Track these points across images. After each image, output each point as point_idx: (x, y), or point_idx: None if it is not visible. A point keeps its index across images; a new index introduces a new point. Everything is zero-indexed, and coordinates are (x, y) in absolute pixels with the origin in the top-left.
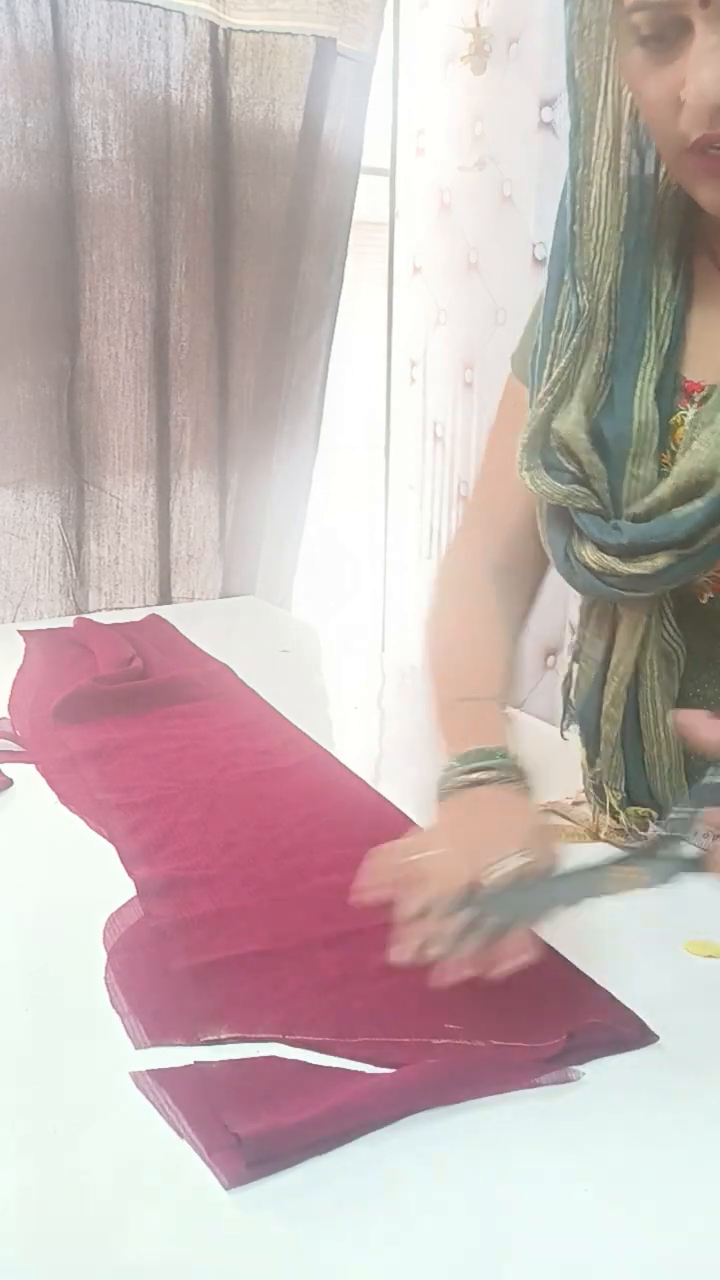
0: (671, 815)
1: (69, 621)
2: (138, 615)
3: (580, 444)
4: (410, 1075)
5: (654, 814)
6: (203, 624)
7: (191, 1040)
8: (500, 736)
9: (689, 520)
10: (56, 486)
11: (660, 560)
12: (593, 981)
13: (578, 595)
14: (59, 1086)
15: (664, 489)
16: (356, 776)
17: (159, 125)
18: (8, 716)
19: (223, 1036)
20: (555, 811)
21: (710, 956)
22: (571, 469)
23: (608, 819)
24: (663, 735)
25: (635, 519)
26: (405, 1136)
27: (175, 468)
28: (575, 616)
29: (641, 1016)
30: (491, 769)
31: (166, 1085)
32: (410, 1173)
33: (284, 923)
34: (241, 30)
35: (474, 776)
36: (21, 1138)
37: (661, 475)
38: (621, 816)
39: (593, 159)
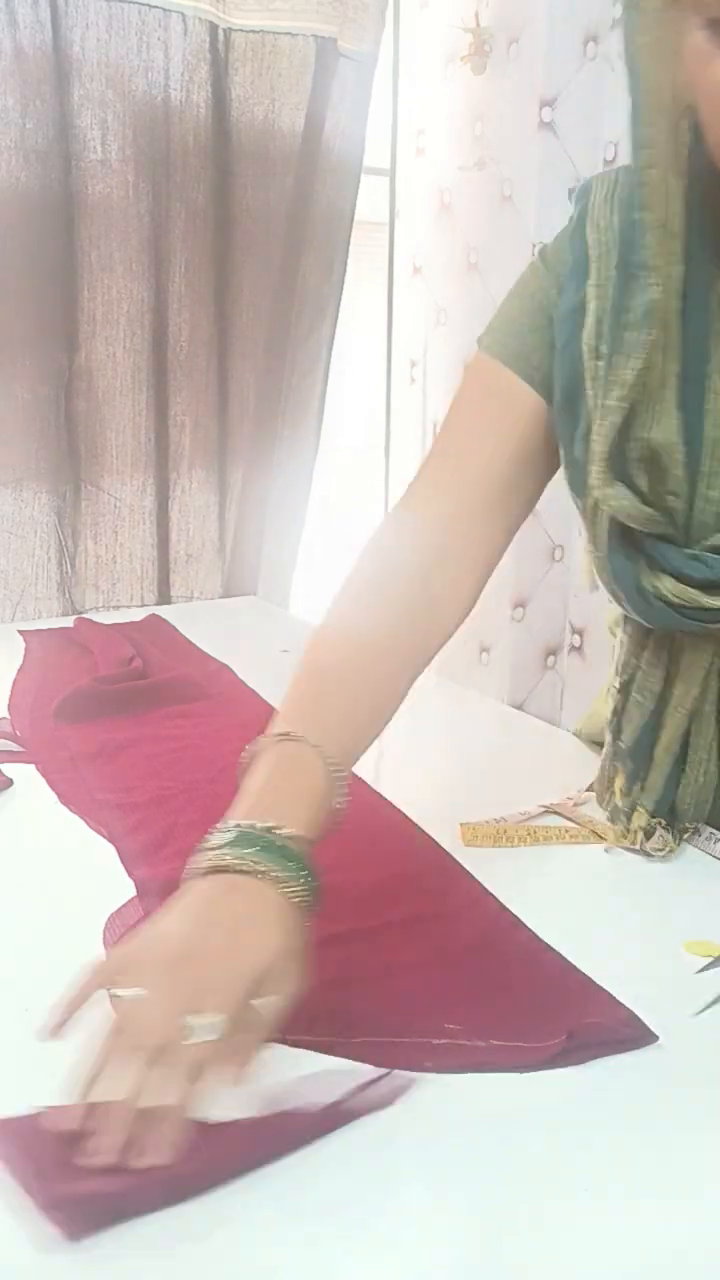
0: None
1: (67, 620)
2: (136, 614)
3: (677, 457)
4: (249, 1136)
5: (662, 822)
6: (203, 624)
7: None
8: (294, 807)
9: None
10: (54, 485)
11: None
12: (593, 981)
13: (579, 596)
14: (59, 1086)
15: None
16: (356, 776)
17: (158, 125)
18: (8, 716)
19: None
20: (558, 813)
21: (710, 956)
22: (644, 488)
23: (624, 830)
24: (706, 758)
25: (717, 549)
26: (406, 1136)
27: (174, 467)
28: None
29: (641, 1016)
30: (243, 854)
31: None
32: (409, 1173)
33: None
34: (242, 30)
35: (224, 859)
36: None
37: None
38: (641, 835)
39: (654, 143)
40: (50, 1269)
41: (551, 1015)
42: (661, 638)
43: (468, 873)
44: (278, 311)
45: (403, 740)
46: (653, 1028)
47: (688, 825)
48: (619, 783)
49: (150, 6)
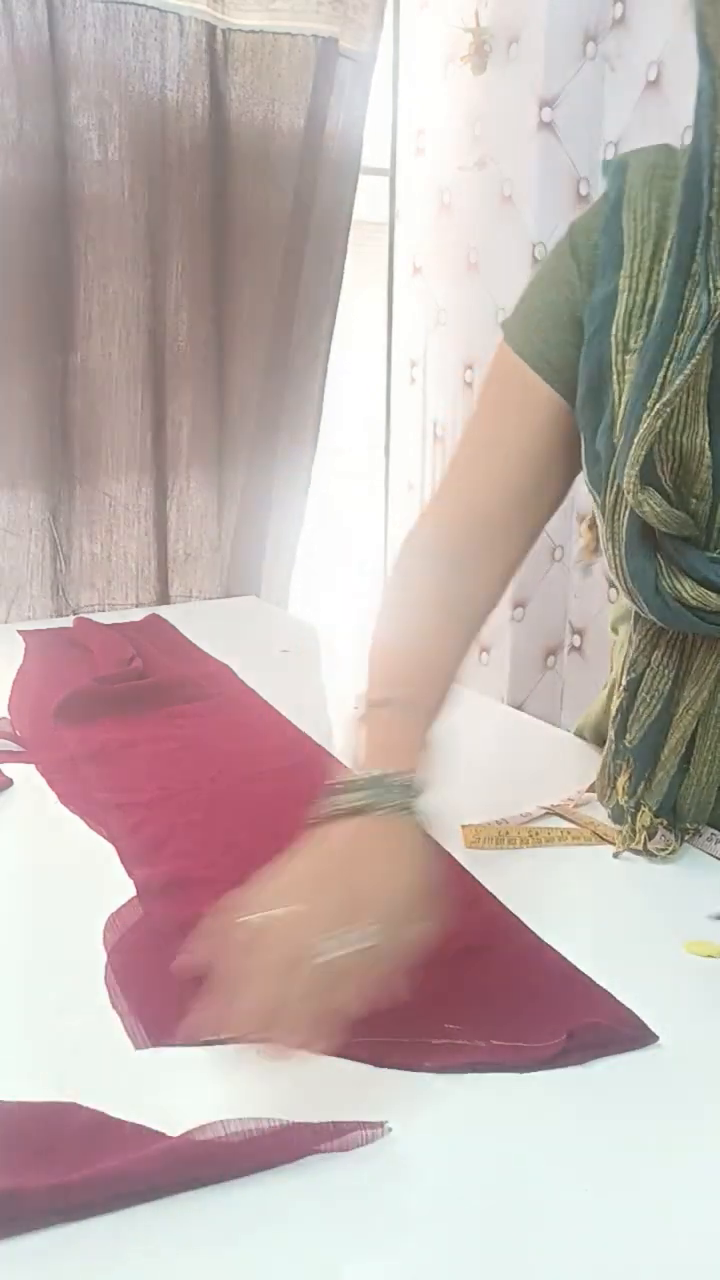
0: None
1: (64, 620)
2: (133, 614)
3: (705, 461)
4: (191, 1146)
5: (664, 822)
6: (203, 624)
7: (190, 1041)
8: (410, 757)
9: None
10: (51, 484)
11: None
12: (593, 981)
13: (579, 596)
14: (59, 1087)
15: None
16: None
17: (155, 126)
18: (8, 716)
19: (222, 1037)
20: (559, 814)
21: (710, 956)
22: (668, 490)
23: (630, 831)
24: (711, 759)
25: None
26: (405, 1136)
27: (172, 467)
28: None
29: (641, 1016)
30: (382, 796)
31: None
32: (408, 1173)
33: None
34: (241, 30)
35: (358, 802)
36: None
37: None
38: (644, 836)
39: None
40: (51, 1272)
41: (552, 1015)
42: (673, 638)
43: (468, 873)
44: (276, 312)
45: None
46: (653, 1028)
47: (689, 826)
48: (622, 782)
49: (147, 8)
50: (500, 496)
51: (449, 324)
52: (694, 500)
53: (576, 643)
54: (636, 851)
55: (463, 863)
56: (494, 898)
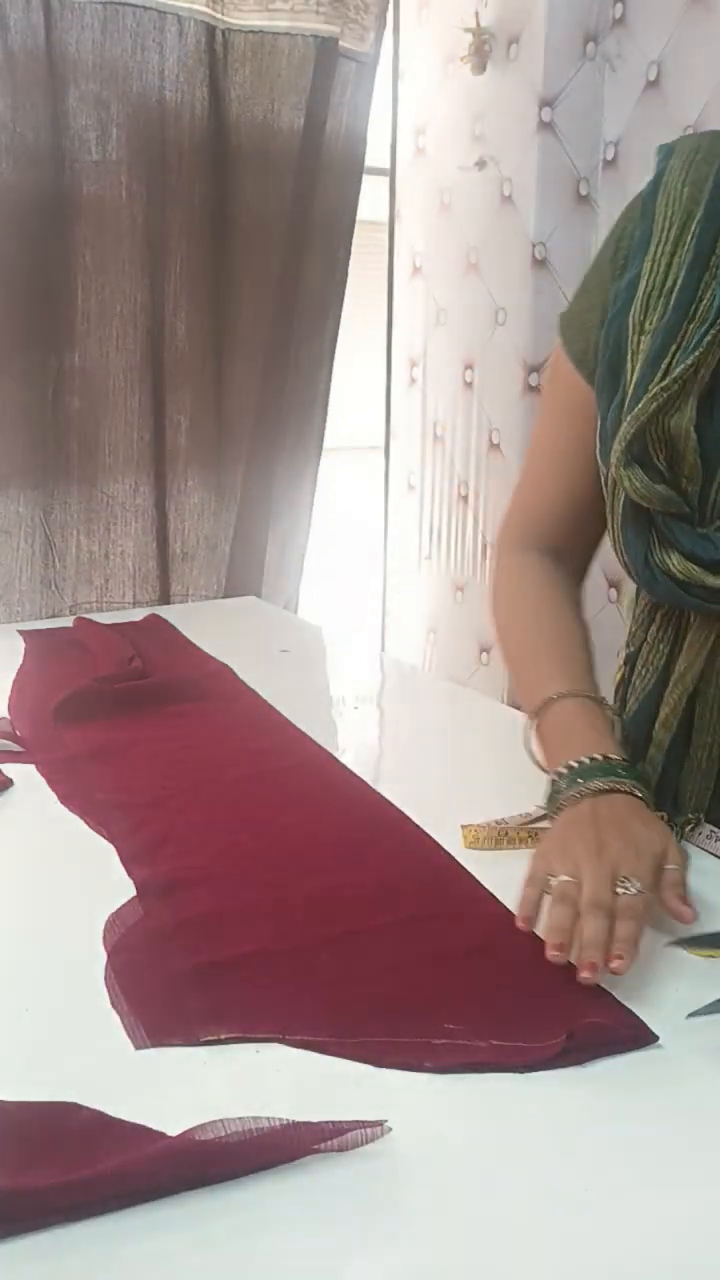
0: None
1: (60, 620)
2: (132, 613)
3: (690, 443)
4: (191, 1146)
5: (664, 816)
6: (203, 624)
7: (191, 1040)
8: (613, 742)
9: None
10: (46, 482)
11: None
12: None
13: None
14: (59, 1087)
15: None
16: (356, 777)
17: (154, 127)
18: (8, 716)
19: (222, 1037)
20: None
21: (710, 956)
22: (662, 469)
23: None
24: (710, 741)
25: None
26: (405, 1134)
27: (169, 466)
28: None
29: (641, 1016)
30: (618, 779)
31: None
32: (409, 1172)
33: (284, 923)
34: (240, 31)
35: (601, 786)
36: None
37: None
38: None
39: None
40: (50, 1272)
41: (552, 1015)
42: (668, 613)
43: (468, 873)
44: (277, 312)
45: (403, 740)
46: (653, 1028)
47: (690, 816)
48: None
49: (146, 8)
50: (571, 491)
51: (449, 324)
52: (684, 480)
53: None
54: None
55: (463, 863)
56: (493, 897)
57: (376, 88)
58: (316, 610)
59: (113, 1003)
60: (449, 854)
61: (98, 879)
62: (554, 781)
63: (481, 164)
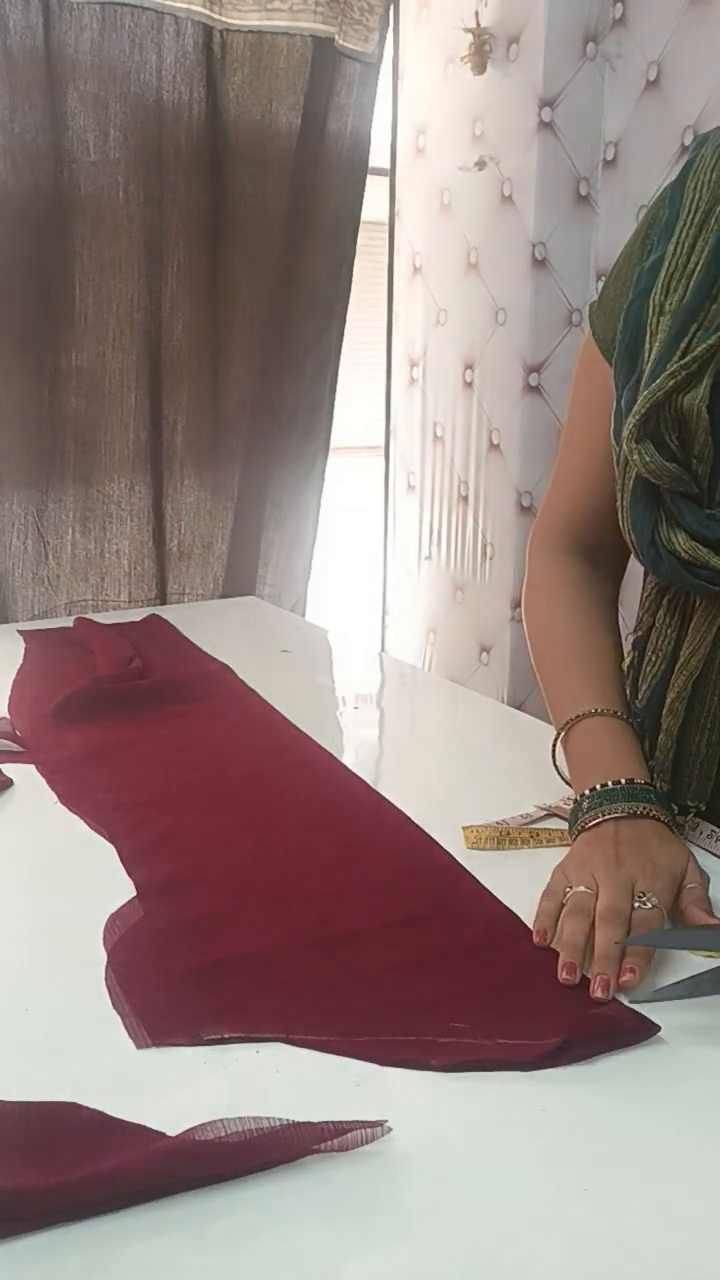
0: None
1: (59, 619)
2: (130, 613)
3: (702, 422)
4: (191, 1146)
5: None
6: (203, 624)
7: (194, 1040)
8: (640, 764)
9: None
10: (42, 481)
11: None
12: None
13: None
14: (59, 1087)
15: None
16: (356, 776)
17: (152, 127)
18: (8, 716)
19: (225, 1036)
20: (558, 814)
21: (710, 956)
22: (674, 447)
23: None
24: (709, 726)
25: None
26: (405, 1134)
27: (166, 466)
28: None
29: (644, 1014)
30: (640, 804)
31: None
32: (409, 1172)
33: (284, 923)
34: (239, 31)
35: (624, 812)
36: None
37: None
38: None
39: None
40: (48, 1272)
41: (556, 1013)
42: (675, 597)
43: (468, 873)
44: (276, 311)
45: (403, 740)
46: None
47: (690, 804)
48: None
49: (143, 8)
50: (606, 489)
51: (449, 324)
52: (695, 460)
53: None
54: None
55: (464, 863)
56: (494, 896)
57: (378, 88)
58: (316, 610)
59: (114, 1003)
60: (449, 854)
61: (98, 879)
62: (576, 803)
63: (481, 164)
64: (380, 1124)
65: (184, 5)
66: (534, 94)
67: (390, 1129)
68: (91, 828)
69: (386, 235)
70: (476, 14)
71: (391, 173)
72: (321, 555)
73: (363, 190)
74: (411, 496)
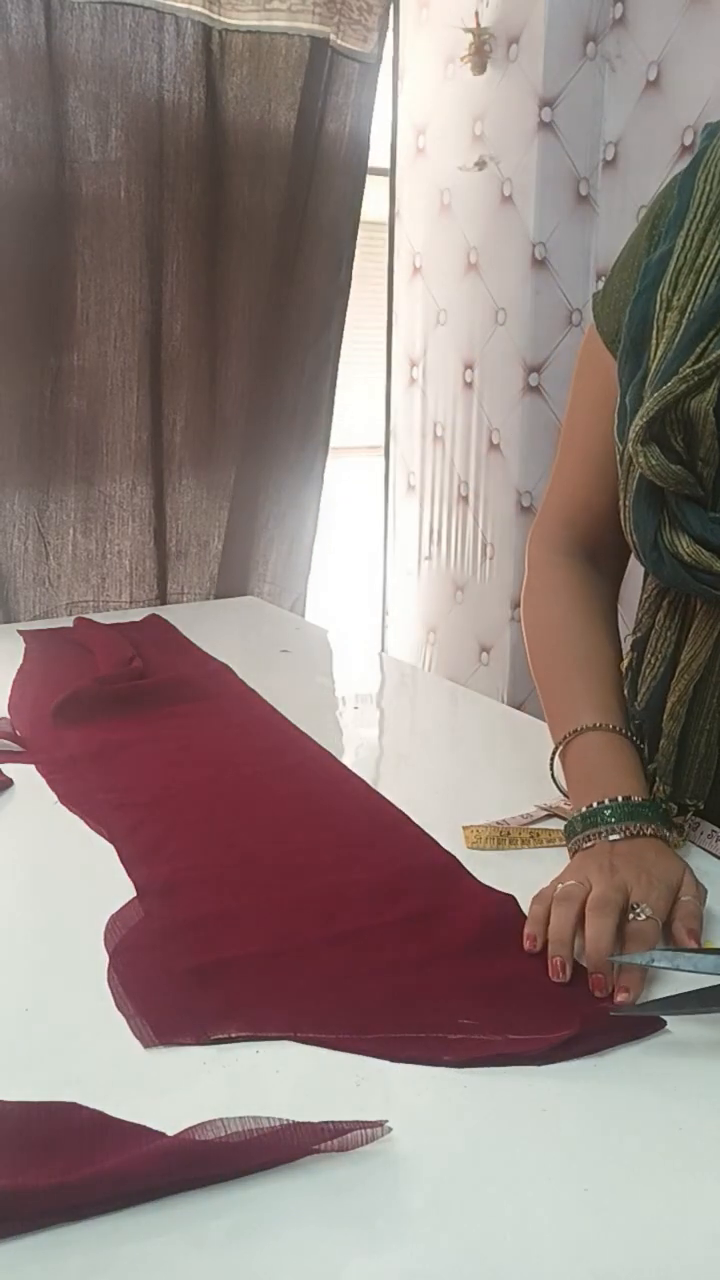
0: None
1: (60, 619)
2: (131, 613)
3: (709, 425)
4: (191, 1146)
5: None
6: (203, 624)
7: (201, 1039)
8: (640, 781)
9: None
10: (43, 482)
11: None
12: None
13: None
14: (60, 1087)
15: None
16: (356, 776)
17: (153, 126)
18: (8, 716)
19: (232, 1035)
20: (558, 814)
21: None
22: (679, 449)
23: None
24: (709, 727)
25: None
26: (405, 1134)
27: (167, 466)
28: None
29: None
30: (640, 822)
31: None
32: (409, 1172)
33: (286, 923)
34: (238, 31)
35: (623, 833)
36: None
37: None
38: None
39: None
40: (48, 1271)
41: (562, 1007)
42: (675, 599)
43: (468, 872)
44: (274, 311)
45: (403, 740)
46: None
47: (688, 803)
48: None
49: (144, 8)
50: (608, 490)
51: (449, 324)
52: (700, 463)
53: None
54: None
55: (465, 863)
56: (495, 892)
57: (378, 88)
58: (316, 610)
59: (117, 1003)
60: (449, 853)
61: (98, 879)
62: (571, 821)
63: (481, 164)
64: (380, 1124)
65: (184, 5)
66: (534, 94)
67: (390, 1129)
68: (91, 828)
69: (386, 235)
70: (476, 14)
71: (391, 173)
72: (322, 555)
73: (362, 190)
74: (411, 496)
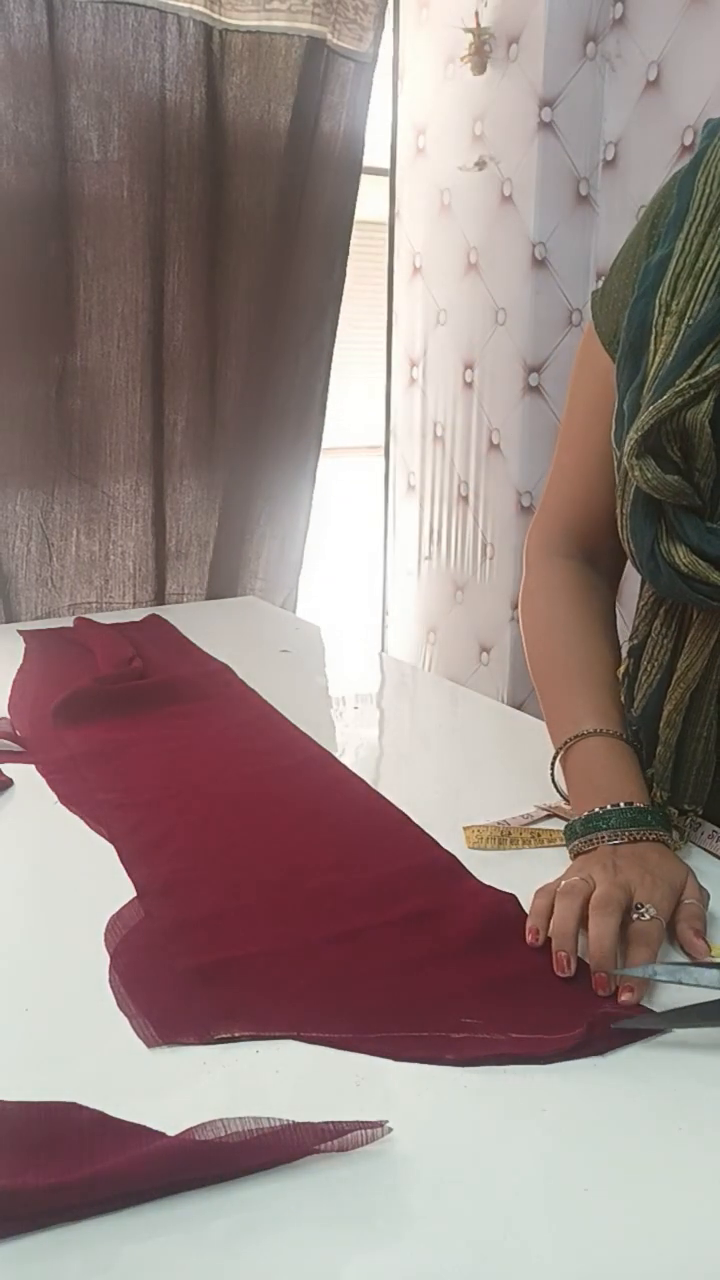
0: None
1: (61, 619)
2: (132, 613)
3: (706, 436)
4: (191, 1146)
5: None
6: (203, 624)
7: (204, 1039)
8: (640, 787)
9: None
10: (46, 483)
11: None
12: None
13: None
14: (60, 1087)
15: None
16: (356, 776)
17: (154, 126)
18: (8, 716)
19: (236, 1035)
20: (559, 814)
21: (711, 955)
22: (676, 459)
23: None
24: (705, 734)
25: None
26: (405, 1134)
27: (168, 466)
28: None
29: (652, 1009)
30: (642, 827)
31: None
32: (409, 1172)
33: (286, 923)
34: (238, 30)
35: (625, 839)
36: None
37: None
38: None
39: None
40: (49, 1271)
41: (566, 1007)
42: (672, 607)
43: (469, 871)
44: (273, 310)
45: (403, 740)
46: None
47: (688, 808)
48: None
49: (146, 8)
50: (606, 491)
51: (449, 324)
52: (698, 473)
53: None
54: None
55: (465, 863)
56: (496, 891)
57: (377, 88)
58: (316, 610)
59: (119, 1004)
60: (450, 853)
61: (98, 879)
62: (572, 825)
63: (481, 164)
64: (380, 1124)
65: (186, 5)
66: (534, 94)
67: (390, 1129)
68: (91, 828)
69: (386, 235)
70: (476, 14)
71: (391, 173)
72: (319, 554)
73: (356, 189)
74: (411, 496)
